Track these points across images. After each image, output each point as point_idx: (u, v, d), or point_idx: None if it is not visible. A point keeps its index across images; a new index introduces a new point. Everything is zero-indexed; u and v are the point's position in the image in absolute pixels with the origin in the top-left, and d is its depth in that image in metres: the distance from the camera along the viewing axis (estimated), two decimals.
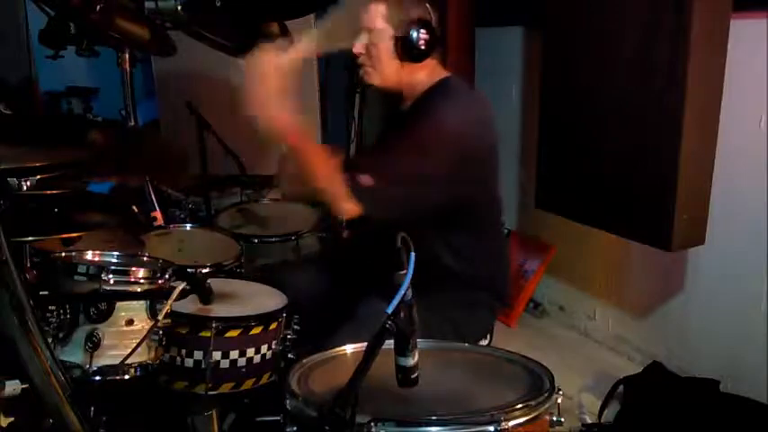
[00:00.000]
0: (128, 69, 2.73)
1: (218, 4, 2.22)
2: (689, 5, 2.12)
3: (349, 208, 1.75)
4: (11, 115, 2.05)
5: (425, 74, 1.92)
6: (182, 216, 3.03)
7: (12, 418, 1.37)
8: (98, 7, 2.23)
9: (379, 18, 1.85)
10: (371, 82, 1.93)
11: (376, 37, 1.86)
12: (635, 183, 2.39)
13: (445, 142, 1.81)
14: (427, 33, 1.83)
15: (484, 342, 2.02)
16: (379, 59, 1.88)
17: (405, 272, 1.17)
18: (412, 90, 1.94)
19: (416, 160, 1.80)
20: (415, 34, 1.82)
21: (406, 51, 1.85)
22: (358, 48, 1.89)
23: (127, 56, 2.71)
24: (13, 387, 1.30)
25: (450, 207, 1.87)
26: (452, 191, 1.84)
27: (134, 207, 2.49)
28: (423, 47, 1.84)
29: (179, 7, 2.07)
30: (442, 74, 1.95)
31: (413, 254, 1.17)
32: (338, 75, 4.18)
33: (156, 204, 2.76)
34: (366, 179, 1.73)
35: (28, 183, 1.61)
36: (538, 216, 3.18)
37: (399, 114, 2.00)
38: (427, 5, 1.85)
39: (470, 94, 1.97)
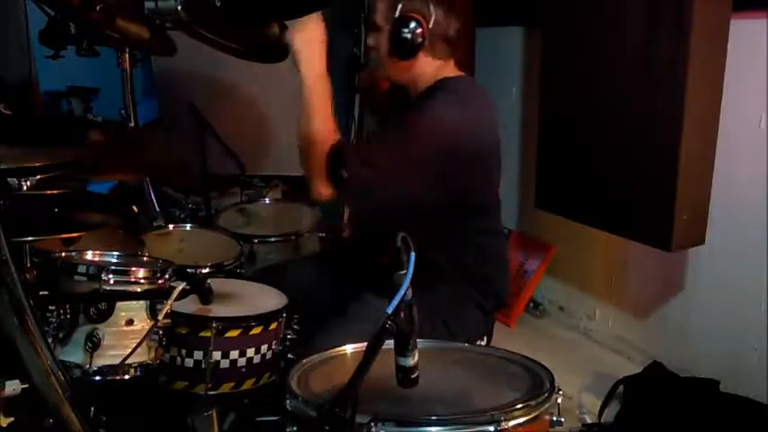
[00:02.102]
0: (128, 69, 2.73)
1: (218, 4, 2.21)
2: (689, 5, 2.12)
3: (323, 191, 1.75)
4: (11, 115, 2.05)
5: (432, 72, 1.91)
6: (182, 216, 3.03)
7: (12, 418, 1.37)
8: (98, 7, 2.23)
9: (379, 15, 1.86)
10: (378, 72, 1.95)
11: (378, 33, 1.88)
12: (635, 183, 2.39)
13: (432, 132, 1.78)
14: (414, 31, 1.80)
15: (483, 342, 2.02)
16: (380, 55, 1.89)
17: (405, 272, 1.17)
18: (414, 86, 1.94)
19: (400, 147, 1.77)
20: (400, 32, 1.80)
21: (394, 48, 1.84)
22: (371, 41, 1.91)
23: (127, 56, 2.71)
24: (13, 387, 1.30)
25: (444, 205, 1.86)
26: (445, 188, 1.82)
27: (134, 207, 2.48)
28: (409, 44, 1.81)
29: (179, 7, 2.06)
30: (451, 73, 1.93)
31: (413, 254, 1.17)
32: (338, 74, 4.18)
33: (156, 204, 2.76)
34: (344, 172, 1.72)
35: (28, 183, 1.61)
36: (538, 216, 3.18)
37: (401, 109, 1.99)
38: (429, 2, 1.82)
39: (470, 92, 1.93)
